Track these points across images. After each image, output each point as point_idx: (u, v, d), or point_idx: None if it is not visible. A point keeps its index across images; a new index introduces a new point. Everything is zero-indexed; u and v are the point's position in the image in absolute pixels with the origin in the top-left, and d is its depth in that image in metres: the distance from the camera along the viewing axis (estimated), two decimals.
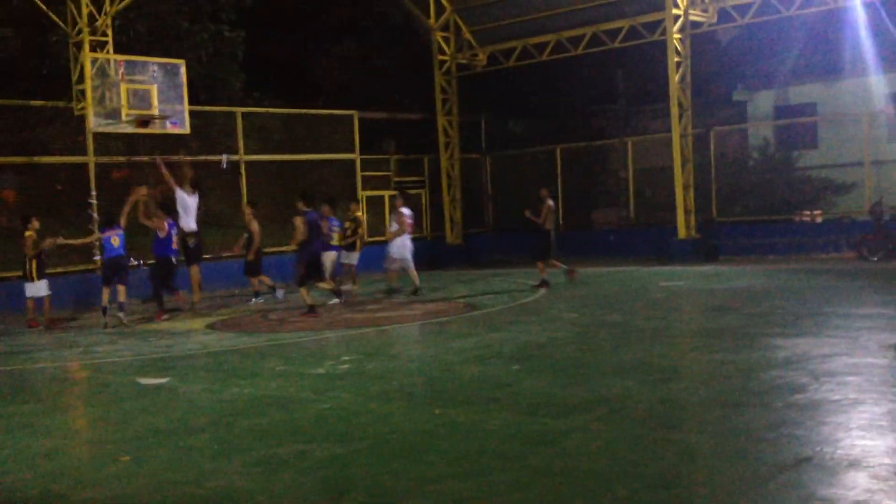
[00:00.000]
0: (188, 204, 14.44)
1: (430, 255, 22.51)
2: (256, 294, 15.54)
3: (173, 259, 14.11)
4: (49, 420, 7.34)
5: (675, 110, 19.33)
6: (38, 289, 13.50)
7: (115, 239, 13.44)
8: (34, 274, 13.38)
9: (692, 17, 19.39)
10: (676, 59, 19.21)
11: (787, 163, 22.13)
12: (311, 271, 13.48)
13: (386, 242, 16.10)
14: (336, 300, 14.39)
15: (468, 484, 5.00)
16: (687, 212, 19.39)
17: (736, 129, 23.58)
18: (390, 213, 16.52)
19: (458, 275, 19.43)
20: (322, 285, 14.16)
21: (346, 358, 9.47)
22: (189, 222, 14.42)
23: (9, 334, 12.99)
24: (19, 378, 9.55)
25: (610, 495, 4.72)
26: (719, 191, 20.67)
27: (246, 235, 15.49)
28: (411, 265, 15.62)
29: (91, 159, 16.43)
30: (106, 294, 13.39)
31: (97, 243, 14.09)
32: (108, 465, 5.75)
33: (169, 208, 14.35)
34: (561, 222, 23.23)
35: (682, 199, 19.29)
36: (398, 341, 10.69)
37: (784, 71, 24.30)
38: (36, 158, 16.24)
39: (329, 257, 14.88)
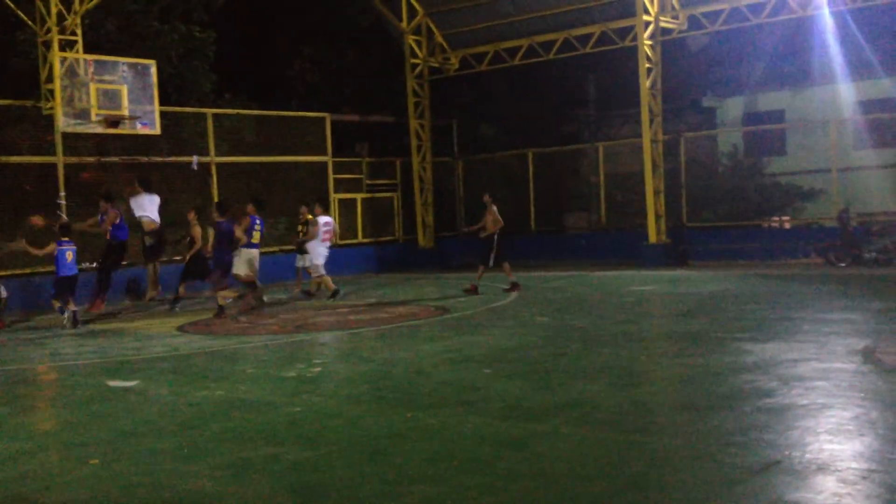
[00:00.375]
0: (142, 203, 14.87)
1: (401, 258, 22.56)
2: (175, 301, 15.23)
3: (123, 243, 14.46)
4: (16, 422, 7.25)
5: (645, 116, 19.47)
6: None
7: (70, 254, 13.25)
8: None
9: (663, 24, 19.55)
10: (647, 65, 19.35)
11: (756, 169, 22.41)
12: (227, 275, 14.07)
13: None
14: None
15: (440, 487, 5.00)
16: (657, 216, 19.54)
17: (705, 135, 23.83)
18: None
19: (430, 278, 19.43)
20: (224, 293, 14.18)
21: (318, 361, 9.44)
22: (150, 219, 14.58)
23: None
24: None
25: (581, 498, 4.75)
26: (689, 196, 20.85)
27: (188, 238, 15.42)
28: (322, 271, 15.99)
29: (60, 160, 16.23)
30: (57, 304, 13.51)
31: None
32: (76, 468, 5.69)
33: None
34: (532, 226, 23.39)
35: (652, 204, 19.44)
36: (370, 344, 10.67)
37: (753, 78, 24.62)
38: (3, 158, 16.02)
39: (252, 254, 14.67)
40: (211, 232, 14.79)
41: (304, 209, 16.99)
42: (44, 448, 6.44)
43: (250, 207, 14.71)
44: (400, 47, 23.16)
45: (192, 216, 15.35)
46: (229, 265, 14.02)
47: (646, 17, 19.22)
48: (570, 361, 8.84)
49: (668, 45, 20.57)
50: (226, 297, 14.09)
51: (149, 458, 5.85)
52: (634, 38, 19.69)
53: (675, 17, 19.74)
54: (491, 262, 15.58)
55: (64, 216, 15.51)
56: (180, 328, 12.74)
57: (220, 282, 13.96)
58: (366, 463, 5.57)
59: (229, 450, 5.97)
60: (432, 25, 22.91)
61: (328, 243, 16.09)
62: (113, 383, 8.68)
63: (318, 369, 8.94)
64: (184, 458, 5.83)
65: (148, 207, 15.16)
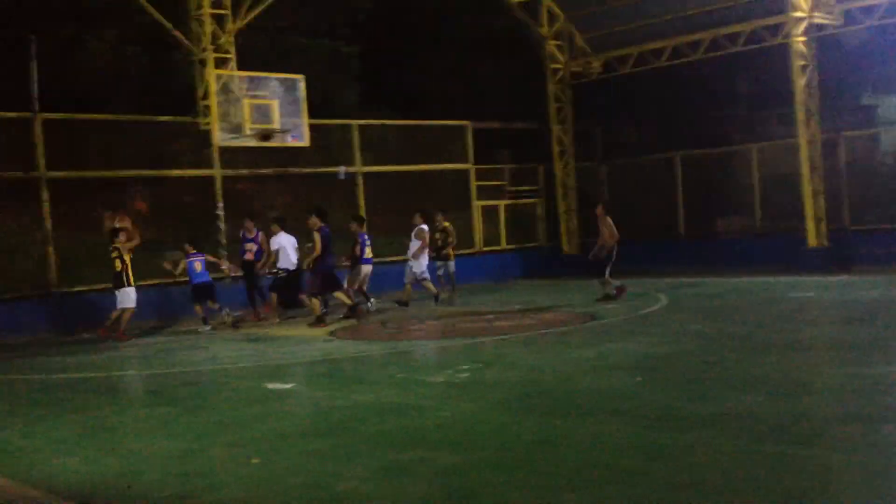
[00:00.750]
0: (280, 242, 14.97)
1: (545, 264, 22.43)
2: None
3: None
4: (182, 422, 7.61)
5: (801, 115, 18.67)
6: (129, 298, 13.80)
7: (198, 264, 14.44)
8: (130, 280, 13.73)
9: (816, 20, 18.70)
10: (801, 62, 18.55)
11: None
12: (326, 284, 14.30)
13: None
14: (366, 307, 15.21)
15: (588, 496, 4.92)
16: (817, 220, 18.68)
17: (866, 134, 22.60)
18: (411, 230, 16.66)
19: (576, 284, 19.22)
20: (338, 295, 14.62)
21: (465, 367, 9.49)
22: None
23: (147, 337, 13.58)
24: (152, 382, 9.95)
25: None
26: (852, 198, 19.81)
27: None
28: (426, 276, 16.25)
29: (217, 172, 17.00)
30: (199, 309, 14.61)
31: (184, 265, 14.69)
32: (239, 468, 5.92)
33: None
34: (682, 231, 22.81)
35: (811, 206, 18.60)
36: (516, 351, 10.63)
37: None
38: (165, 172, 16.91)
39: (365, 270, 15.44)
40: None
41: (440, 216, 17.12)
42: (208, 447, 6.73)
43: (354, 225, 15.39)
44: (540, 53, 23.07)
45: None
46: (330, 269, 14.37)
47: (798, 14, 18.43)
48: (725, 370, 8.54)
49: (824, 41, 19.64)
50: (341, 300, 14.58)
51: (305, 459, 6.02)
52: (787, 36, 18.92)
53: (830, 13, 18.84)
54: (608, 274, 14.99)
55: (222, 225, 16.22)
56: (332, 334, 13.09)
57: (315, 287, 14.27)
58: (514, 469, 5.54)
59: (381, 453, 6.07)
60: (573, 30, 22.71)
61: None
62: (271, 386, 9.00)
63: (466, 375, 8.98)
64: (338, 459, 5.97)
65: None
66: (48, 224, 15.08)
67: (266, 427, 7.09)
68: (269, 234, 15.12)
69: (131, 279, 13.75)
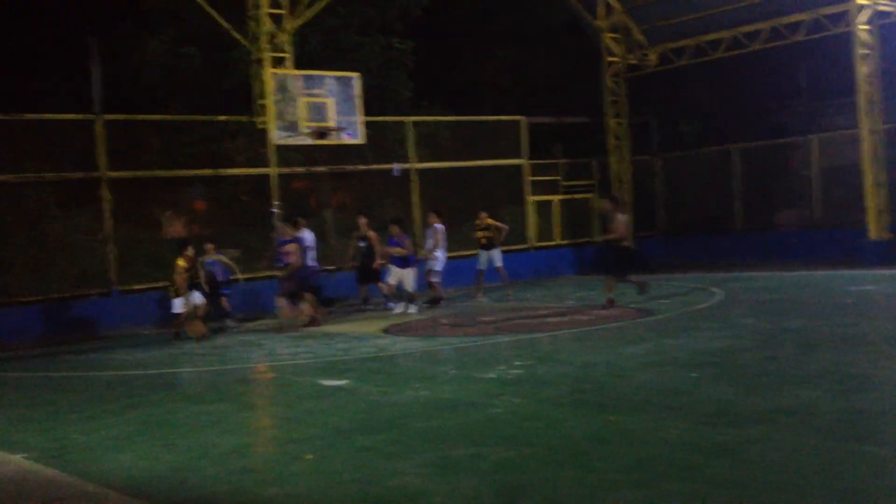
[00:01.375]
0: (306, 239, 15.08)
1: (600, 259, 22.25)
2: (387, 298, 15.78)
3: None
4: (238, 418, 7.73)
5: (862, 105, 18.23)
6: (184, 302, 13.65)
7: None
8: (180, 291, 13.58)
9: (880, 7, 18.24)
10: (863, 51, 18.12)
11: None
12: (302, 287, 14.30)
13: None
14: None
15: (642, 493, 4.88)
16: (879, 211, 18.24)
17: None
18: (424, 229, 16.56)
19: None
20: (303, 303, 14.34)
21: (518, 363, 9.47)
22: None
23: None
24: (207, 378, 10.12)
25: None
26: None
27: (362, 244, 15.92)
28: (436, 278, 16.07)
29: (273, 170, 17.17)
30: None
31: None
32: (292, 463, 5.98)
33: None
34: (738, 224, 22.45)
35: (872, 197, 18.17)
36: (569, 347, 10.58)
37: None
38: (222, 171, 17.15)
39: (400, 273, 15.27)
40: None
41: (483, 214, 17.13)
42: (262, 443, 6.83)
43: (395, 229, 15.41)
44: (593, 45, 22.87)
45: (363, 222, 15.98)
46: (306, 273, 14.62)
47: (861, 1, 17.99)
48: (783, 365, 8.40)
49: (888, 28, 19.15)
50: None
51: (359, 455, 6.07)
52: (848, 24, 18.49)
53: (894, 0, 18.36)
54: (627, 273, 13.90)
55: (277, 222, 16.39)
56: (385, 330, 13.16)
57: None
58: (567, 466, 5.52)
59: (433, 448, 6.09)
60: (630, 21, 22.47)
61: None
62: (325, 382, 9.09)
63: (518, 371, 8.96)
64: (391, 455, 6.00)
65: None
66: (109, 223, 15.39)
67: (320, 423, 7.16)
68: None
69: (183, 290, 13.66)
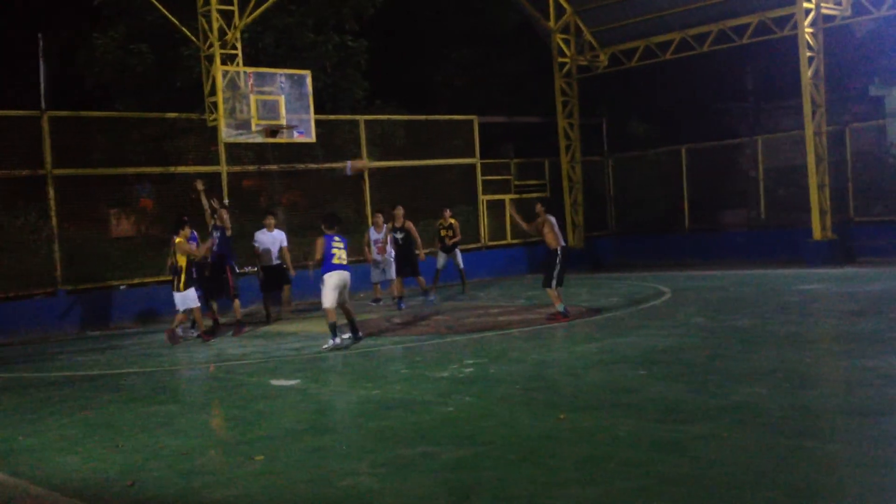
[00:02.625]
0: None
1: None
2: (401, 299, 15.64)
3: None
4: (186, 420, 7.64)
5: (807, 107, 18.59)
6: (188, 299, 12.69)
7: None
8: (182, 284, 12.56)
9: (825, 11, 18.62)
10: (809, 53, 18.47)
11: None
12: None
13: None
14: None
15: (593, 490, 4.93)
16: (822, 212, 18.61)
17: (873, 125, 22.50)
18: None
19: (581, 279, 19.21)
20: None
21: (470, 361, 9.50)
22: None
23: (143, 335, 13.62)
24: (156, 379, 9.98)
25: None
26: (857, 189, 19.76)
27: (399, 236, 15.80)
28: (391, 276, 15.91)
29: (224, 168, 17.03)
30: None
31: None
32: (243, 464, 5.94)
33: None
34: (686, 224, 22.77)
35: (816, 198, 18.54)
36: (521, 345, 10.64)
37: None
38: (171, 168, 16.95)
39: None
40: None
41: (447, 213, 17.20)
42: (212, 445, 6.75)
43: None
44: (547, 47, 23.03)
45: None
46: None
47: (806, 5, 18.34)
48: (730, 363, 8.54)
49: (832, 32, 19.56)
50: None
51: (310, 455, 6.04)
52: (794, 27, 18.85)
53: (838, 3, 18.76)
54: (554, 284, 12.72)
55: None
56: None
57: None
58: (519, 464, 5.56)
59: (386, 448, 6.09)
60: (580, 23, 22.67)
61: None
62: (276, 382, 9.03)
63: (470, 370, 8.99)
64: (343, 455, 5.99)
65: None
66: (54, 221, 15.12)
67: (270, 424, 7.11)
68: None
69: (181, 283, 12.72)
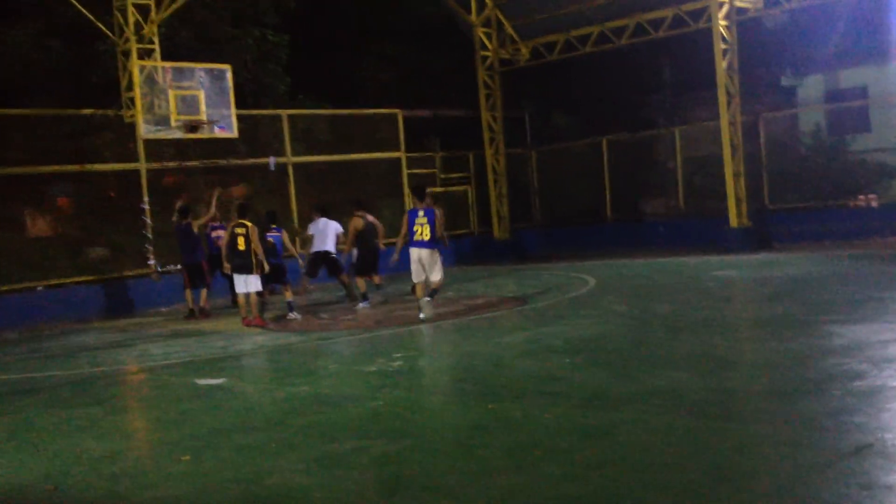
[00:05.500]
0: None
1: (477, 250, 22.57)
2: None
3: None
4: (109, 422, 7.49)
5: (722, 98, 19.07)
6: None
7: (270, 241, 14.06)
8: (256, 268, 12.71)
9: (738, 3, 19.11)
10: (723, 46, 18.94)
11: (840, 147, 21.74)
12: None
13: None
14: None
15: (522, 477, 5.00)
16: (738, 200, 19.13)
17: (786, 114, 23.20)
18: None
19: (507, 270, 19.40)
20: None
21: (398, 355, 9.52)
22: None
23: (65, 335, 13.30)
24: (77, 381, 9.75)
25: (667, 486, 4.69)
26: (771, 178, 20.36)
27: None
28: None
29: (142, 166, 16.70)
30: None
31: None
32: (169, 466, 5.85)
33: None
34: (609, 214, 23.15)
35: (732, 187, 19.04)
36: (449, 337, 10.70)
37: (832, 55, 23.87)
38: (88, 166, 16.54)
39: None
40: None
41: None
42: (137, 447, 6.64)
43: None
44: (469, 41, 23.14)
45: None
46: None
47: None
48: (653, 349, 8.73)
49: (745, 24, 20.09)
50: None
51: (238, 454, 5.98)
52: (709, 20, 19.30)
53: None
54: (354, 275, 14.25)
55: (148, 220, 15.95)
56: (264, 326, 12.97)
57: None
58: (448, 455, 5.60)
59: (316, 444, 6.07)
60: (501, 17, 22.83)
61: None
62: (201, 382, 8.91)
63: (399, 363, 9.01)
64: (272, 453, 5.95)
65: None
66: None
67: (196, 424, 7.02)
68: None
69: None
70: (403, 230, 12.12)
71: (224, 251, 12.91)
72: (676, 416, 6.11)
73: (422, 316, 11.80)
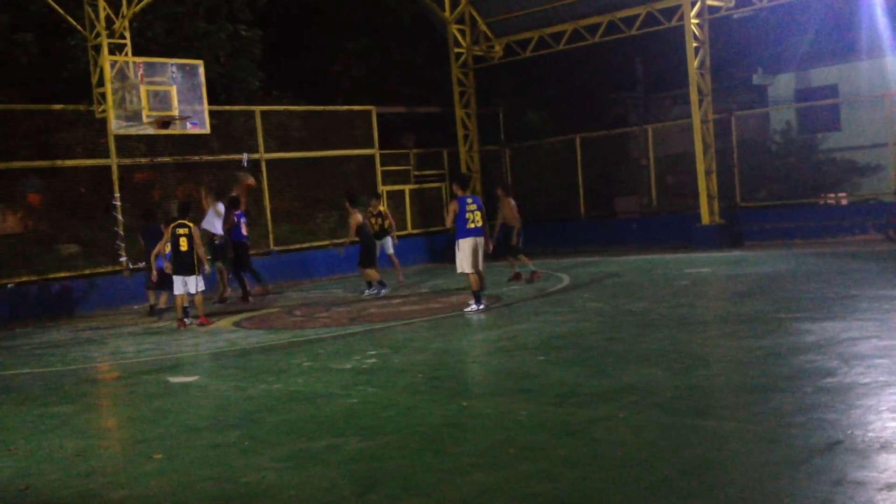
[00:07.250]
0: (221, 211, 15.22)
1: (451, 248, 22.53)
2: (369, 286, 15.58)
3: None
4: (81, 420, 7.43)
5: (694, 96, 19.22)
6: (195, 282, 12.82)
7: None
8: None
9: (710, 2, 19.26)
10: (695, 44, 19.09)
11: (811, 146, 21.99)
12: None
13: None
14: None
15: (496, 475, 5.01)
16: (710, 198, 19.29)
17: (757, 113, 23.42)
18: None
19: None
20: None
21: (373, 352, 9.51)
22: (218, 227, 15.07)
23: (32, 334, 13.16)
24: (49, 379, 9.66)
25: (639, 483, 4.72)
26: (742, 176, 20.55)
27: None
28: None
29: (114, 161, 16.54)
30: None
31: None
32: (141, 464, 5.81)
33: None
34: (582, 211, 23.25)
35: (704, 185, 19.19)
36: (423, 335, 10.70)
37: (803, 54, 24.14)
38: (59, 162, 16.35)
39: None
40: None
41: (375, 201, 17.19)
42: (110, 445, 6.59)
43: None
44: (443, 37, 23.13)
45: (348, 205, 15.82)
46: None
47: None
48: (626, 346, 8.78)
49: (716, 22, 20.25)
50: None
51: (211, 452, 5.96)
52: (681, 18, 19.43)
53: None
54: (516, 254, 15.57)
55: (119, 216, 15.79)
56: (237, 324, 12.93)
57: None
58: (423, 452, 5.60)
59: (289, 442, 6.05)
60: (475, 13, 22.84)
61: None
62: (174, 380, 8.85)
63: (373, 360, 9.00)
64: (245, 451, 5.92)
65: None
66: None
67: (169, 422, 6.97)
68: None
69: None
70: (450, 219, 11.77)
71: (164, 253, 12.95)
72: (650, 412, 6.15)
73: (480, 307, 11.78)
